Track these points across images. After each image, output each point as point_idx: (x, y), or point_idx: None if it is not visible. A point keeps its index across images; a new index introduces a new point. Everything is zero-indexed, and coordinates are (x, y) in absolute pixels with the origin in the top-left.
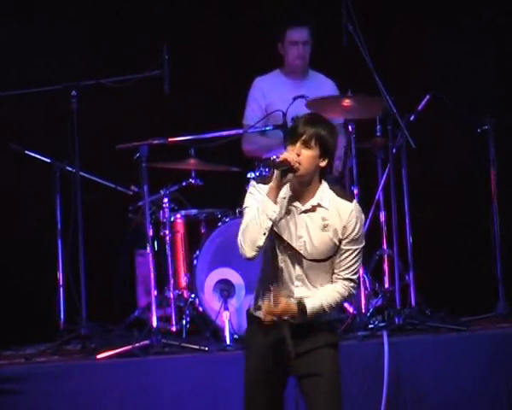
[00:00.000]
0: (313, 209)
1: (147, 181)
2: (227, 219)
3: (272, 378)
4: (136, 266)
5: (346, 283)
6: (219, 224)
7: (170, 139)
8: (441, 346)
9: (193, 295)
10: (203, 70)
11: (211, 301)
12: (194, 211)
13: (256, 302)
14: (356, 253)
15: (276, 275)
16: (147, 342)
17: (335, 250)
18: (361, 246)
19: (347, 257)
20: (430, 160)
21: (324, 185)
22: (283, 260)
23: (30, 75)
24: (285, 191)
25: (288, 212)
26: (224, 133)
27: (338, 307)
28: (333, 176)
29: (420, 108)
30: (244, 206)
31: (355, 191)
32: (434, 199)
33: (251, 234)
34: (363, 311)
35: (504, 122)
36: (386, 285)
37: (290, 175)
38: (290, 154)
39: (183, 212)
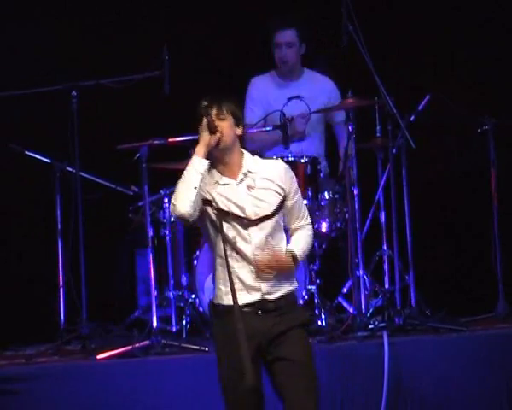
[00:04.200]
0: (245, 177)
1: (147, 181)
2: None
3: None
4: (136, 266)
5: (305, 227)
6: None
7: (170, 140)
8: (441, 346)
9: (193, 296)
10: (203, 70)
11: None
12: None
13: (218, 292)
14: (300, 201)
15: (232, 257)
16: (147, 342)
17: (279, 205)
18: (300, 195)
19: (297, 208)
20: (430, 160)
21: (247, 154)
22: (235, 238)
23: (30, 75)
24: (215, 177)
25: (224, 192)
26: None
27: (310, 248)
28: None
29: (420, 108)
30: None
31: (355, 191)
32: (434, 199)
33: (182, 190)
34: (363, 311)
35: (504, 122)
36: (387, 286)
37: (215, 137)
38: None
39: None
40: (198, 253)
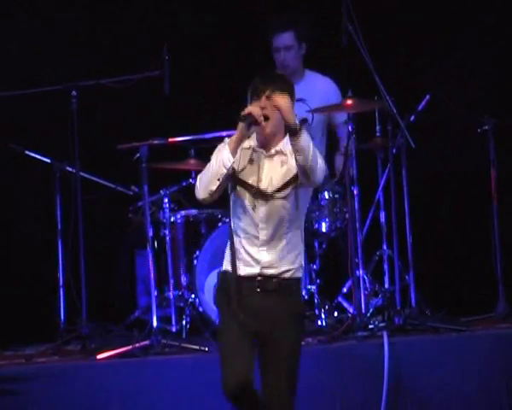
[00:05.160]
0: (275, 154)
1: (147, 181)
2: (227, 220)
3: (245, 334)
4: (136, 266)
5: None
6: (219, 224)
7: (170, 139)
8: (441, 346)
9: (193, 296)
10: (203, 70)
11: (211, 301)
12: (194, 211)
13: (225, 259)
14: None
15: (241, 226)
16: (147, 342)
17: (295, 184)
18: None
19: None
20: (430, 160)
21: (287, 138)
22: (247, 206)
23: (30, 75)
24: (251, 142)
25: (251, 160)
26: (224, 133)
27: (318, 162)
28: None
29: (420, 108)
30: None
31: (355, 191)
32: (434, 199)
33: (206, 178)
34: (364, 311)
35: (504, 122)
36: (387, 285)
37: (254, 128)
38: (255, 108)
39: (183, 212)
40: (198, 253)
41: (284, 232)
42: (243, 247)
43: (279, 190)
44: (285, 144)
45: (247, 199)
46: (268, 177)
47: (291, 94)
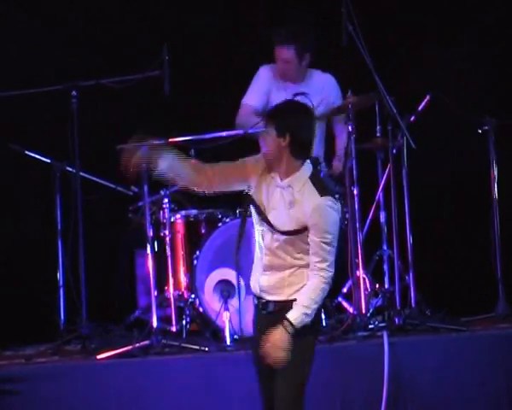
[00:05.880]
0: (284, 189)
1: (147, 181)
2: (227, 220)
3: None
4: (136, 266)
5: (315, 271)
6: (219, 224)
7: (170, 140)
8: (441, 346)
9: (193, 296)
10: (203, 70)
11: (211, 301)
12: (194, 211)
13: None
14: (321, 243)
15: (257, 241)
16: (147, 342)
17: (303, 228)
18: (326, 239)
19: (313, 244)
20: (430, 160)
21: (305, 169)
22: (258, 231)
23: (30, 75)
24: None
25: (267, 185)
26: (224, 133)
27: (321, 298)
28: (333, 175)
29: (420, 108)
30: None
31: (355, 191)
32: (434, 199)
33: None
34: (364, 311)
35: (504, 122)
36: (387, 286)
37: None
38: None
39: (183, 212)
40: (198, 253)
41: (288, 266)
42: (259, 265)
43: (283, 231)
44: (298, 179)
45: (257, 222)
46: (274, 210)
47: (280, 123)
